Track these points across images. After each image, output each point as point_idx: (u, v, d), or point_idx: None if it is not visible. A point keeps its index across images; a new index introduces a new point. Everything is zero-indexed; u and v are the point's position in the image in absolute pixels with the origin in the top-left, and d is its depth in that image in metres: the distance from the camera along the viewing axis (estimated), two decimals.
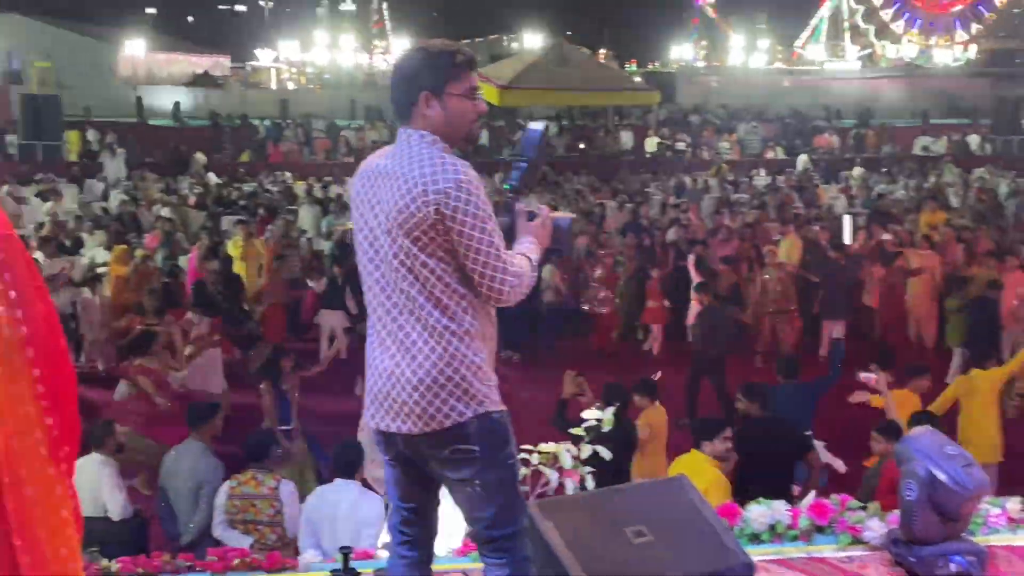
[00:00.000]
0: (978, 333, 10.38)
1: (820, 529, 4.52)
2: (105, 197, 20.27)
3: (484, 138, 28.83)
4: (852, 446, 7.72)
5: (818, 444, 7.60)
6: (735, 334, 12.64)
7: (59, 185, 21.04)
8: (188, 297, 12.32)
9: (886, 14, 56.85)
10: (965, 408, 7.89)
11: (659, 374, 8.39)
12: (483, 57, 43.11)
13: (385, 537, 4.27)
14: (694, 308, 11.73)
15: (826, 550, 4.38)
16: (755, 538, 4.40)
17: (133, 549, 5.16)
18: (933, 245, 14.00)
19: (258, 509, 6.28)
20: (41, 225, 15.90)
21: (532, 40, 53.31)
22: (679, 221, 16.83)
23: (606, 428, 4.99)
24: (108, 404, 9.02)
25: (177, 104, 36.71)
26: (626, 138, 29.74)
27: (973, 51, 54.29)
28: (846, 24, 58.76)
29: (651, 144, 30.14)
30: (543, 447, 4.39)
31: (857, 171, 24.11)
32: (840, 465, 7.75)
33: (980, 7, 54.97)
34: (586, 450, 4.83)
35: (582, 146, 30.17)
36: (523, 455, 3.92)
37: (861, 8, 57.21)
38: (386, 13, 66.88)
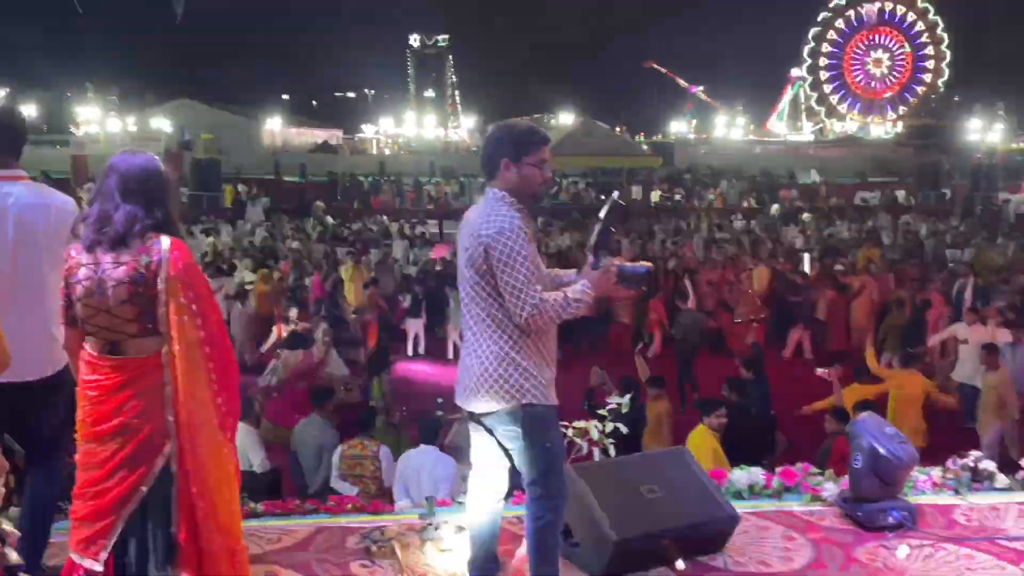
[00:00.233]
0: (909, 343, 10.27)
1: (788, 489, 4.52)
2: (251, 233, 20.61)
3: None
4: (809, 428, 7.66)
5: None
6: (710, 337, 12.54)
7: (218, 224, 21.51)
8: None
9: (834, 99, 56.97)
10: (897, 401, 7.82)
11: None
12: None
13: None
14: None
15: (793, 505, 4.37)
16: (738, 495, 4.37)
17: (271, 496, 5.23)
18: (870, 273, 13.96)
19: (363, 467, 6.37)
20: (205, 254, 16.20)
21: (566, 118, 53.38)
22: (676, 254, 16.86)
23: (624, 411, 4.98)
24: (252, 386, 9.12)
25: (303, 165, 37.23)
26: (636, 191, 29.72)
27: (900, 127, 54.17)
28: (803, 106, 58.89)
29: (655, 196, 30.16)
30: (576, 424, 4.39)
31: (808, 216, 24.17)
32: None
33: (905, 94, 54.92)
34: (608, 427, 4.81)
35: (603, 197, 30.13)
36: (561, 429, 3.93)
37: (815, 95, 57.29)
38: (457, 99, 67.48)
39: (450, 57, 69.07)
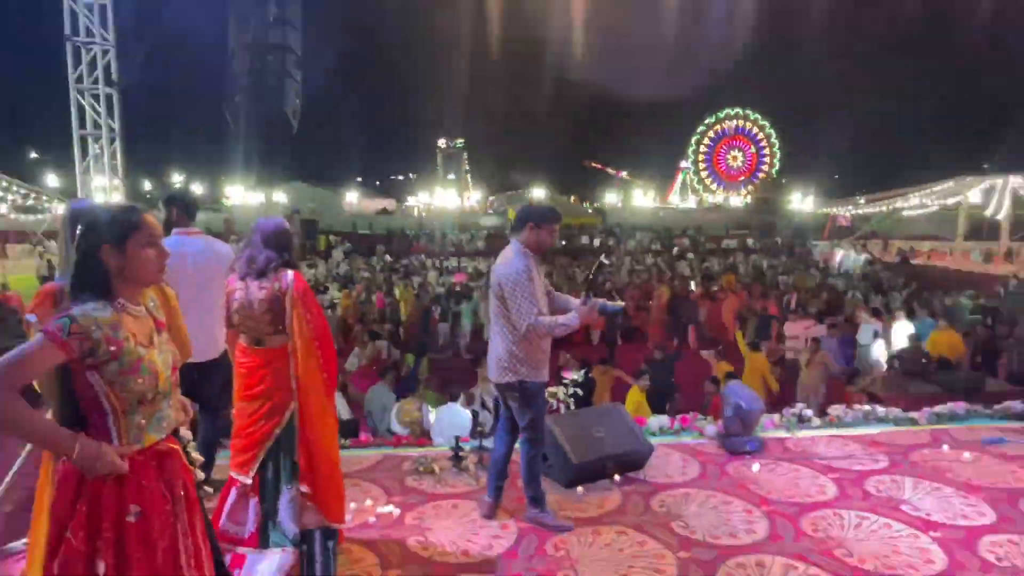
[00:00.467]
0: (757, 335, 10.20)
1: (684, 429, 4.48)
2: (337, 267, 20.50)
3: None
4: (695, 389, 7.62)
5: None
6: (630, 332, 12.48)
7: (316, 261, 21.39)
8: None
9: (708, 181, 57.20)
10: (749, 372, 7.79)
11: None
12: (513, 201, 43.46)
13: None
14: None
15: (687, 439, 4.32)
16: (653, 433, 4.34)
17: (353, 436, 5.18)
18: (732, 291, 13.92)
19: (412, 417, 6.30)
20: (308, 280, 16.14)
21: (540, 192, 53.47)
22: (609, 279, 16.85)
23: (580, 380, 4.99)
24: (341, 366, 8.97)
25: (370, 223, 37.15)
26: (584, 239, 29.64)
27: (749, 199, 54.29)
28: (689, 186, 59.02)
29: (596, 242, 30.07)
30: (550, 389, 4.38)
31: (692, 255, 24.24)
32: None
33: (753, 178, 55.06)
34: (570, 390, 4.82)
35: (563, 243, 30.14)
36: None
37: (696, 178, 57.55)
38: (469, 180, 67.71)
39: (464, 153, 69.38)
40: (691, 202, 57.72)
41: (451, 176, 69.09)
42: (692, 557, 2.80)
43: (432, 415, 6.05)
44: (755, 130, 55.82)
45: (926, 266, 20.27)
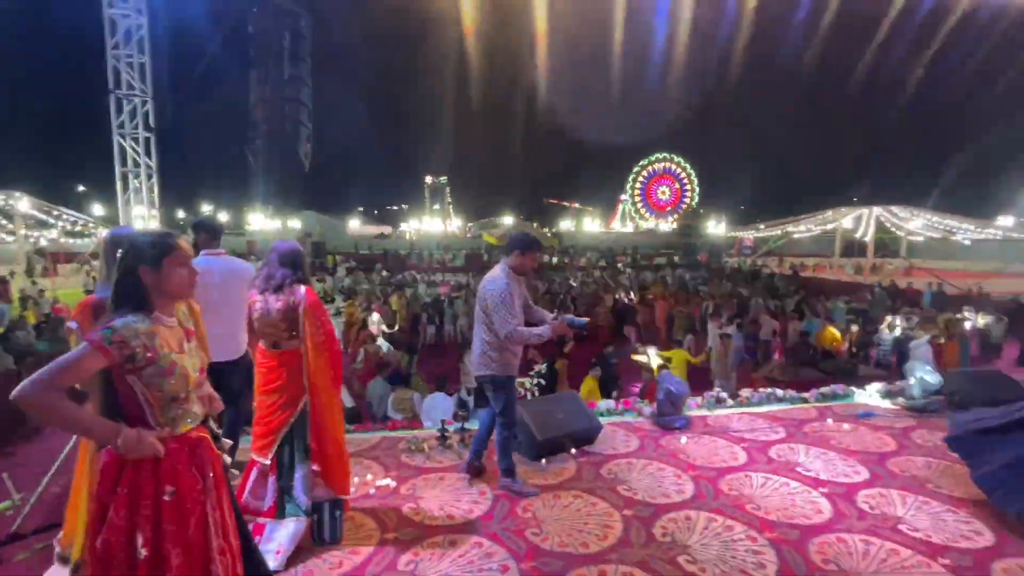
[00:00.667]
0: (682, 333, 10.30)
1: (626, 410, 4.43)
2: (342, 281, 20.08)
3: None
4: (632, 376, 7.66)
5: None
6: (582, 333, 12.31)
7: (325, 276, 20.93)
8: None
9: (642, 211, 57.81)
10: (675, 363, 7.83)
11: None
12: (486, 227, 43.39)
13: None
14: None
15: (629, 419, 4.30)
16: (602, 414, 4.31)
17: (357, 421, 5.06)
18: (662, 298, 14.03)
19: (406, 404, 6.16)
20: (318, 293, 15.78)
21: (508, 219, 53.47)
22: (565, 289, 16.89)
23: (544, 371, 4.98)
24: (347, 365, 8.75)
25: (370, 245, 36.63)
26: (546, 258, 29.72)
27: (675, 224, 54.98)
28: (628, 215, 59.58)
29: (555, 260, 30.16)
30: (519, 380, 4.36)
31: (631, 270, 24.44)
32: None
33: (678, 209, 55.90)
34: (535, 380, 4.81)
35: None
36: None
37: (633, 208, 58.16)
38: (451, 210, 67.32)
39: (447, 188, 69.07)
40: (629, 228, 58.35)
41: (436, 207, 68.57)
42: (634, 514, 2.81)
43: (422, 402, 5.96)
44: (679, 170, 56.86)
45: (812, 277, 20.90)
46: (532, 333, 2.85)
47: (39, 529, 2.70)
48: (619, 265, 27.00)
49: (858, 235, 25.22)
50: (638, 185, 58.13)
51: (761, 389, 4.92)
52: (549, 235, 38.93)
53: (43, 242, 24.14)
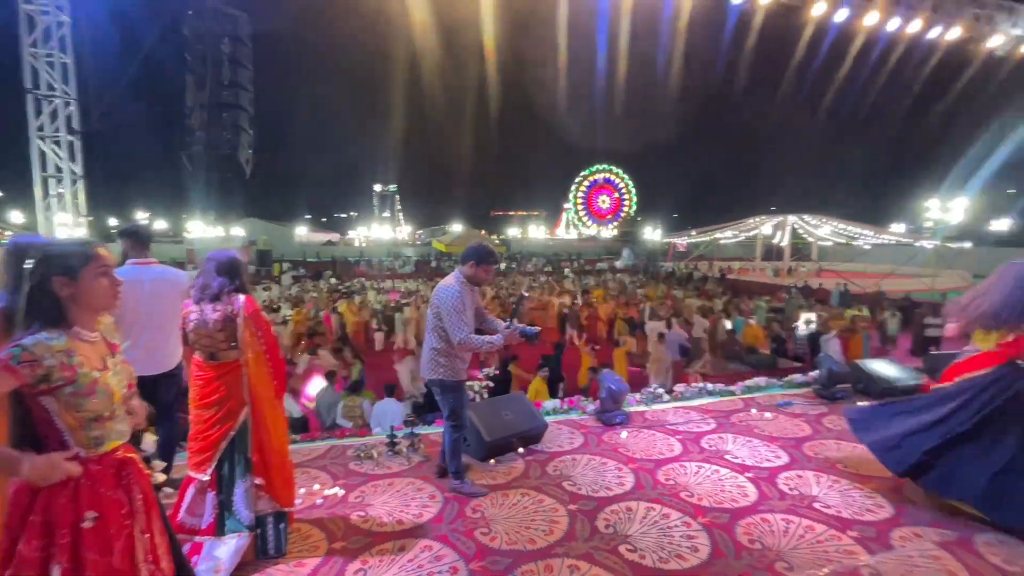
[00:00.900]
0: (624, 333, 10.55)
1: (571, 409, 4.47)
2: (289, 289, 19.20)
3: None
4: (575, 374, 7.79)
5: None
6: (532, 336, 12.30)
7: (271, 284, 19.95)
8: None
9: (585, 218, 58.92)
10: (615, 361, 8.04)
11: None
12: (436, 234, 43.00)
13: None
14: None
15: (573, 416, 4.31)
16: (547, 414, 4.33)
17: (304, 431, 4.86)
18: (604, 301, 14.34)
19: (355, 412, 5.97)
20: (264, 301, 14.98)
21: (456, 227, 53.17)
22: (513, 292, 16.92)
23: (493, 374, 4.97)
24: (292, 373, 8.39)
25: (317, 253, 35.37)
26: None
27: (615, 231, 56.46)
28: (571, 222, 60.52)
29: (501, 267, 30.20)
30: (468, 383, 4.32)
31: (571, 275, 24.92)
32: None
33: (617, 217, 57.45)
34: (484, 383, 4.78)
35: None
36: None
37: (576, 216, 59.18)
38: (400, 217, 66.21)
39: (396, 196, 67.84)
40: (573, 234, 59.44)
41: (386, 214, 67.20)
42: (579, 508, 2.84)
43: (371, 409, 5.79)
44: (618, 180, 58.53)
45: (737, 279, 22.08)
46: (485, 341, 2.84)
47: None
48: (565, 271, 27.44)
49: (776, 240, 26.95)
50: (580, 194, 59.26)
51: (694, 384, 5.08)
52: (497, 242, 39.03)
53: None
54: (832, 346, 8.09)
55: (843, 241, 26.06)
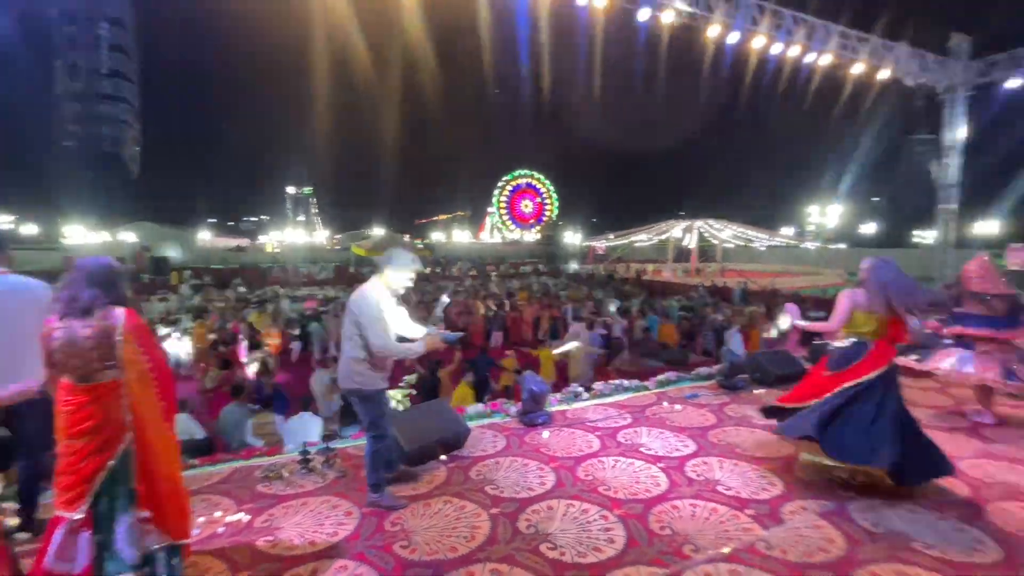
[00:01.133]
0: (553, 333, 10.72)
1: (494, 412, 4.45)
2: (191, 298, 17.56)
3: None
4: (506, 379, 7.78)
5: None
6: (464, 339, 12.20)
7: (168, 295, 18.15)
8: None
9: (508, 222, 59.54)
10: (544, 363, 8.18)
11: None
12: (355, 238, 41.45)
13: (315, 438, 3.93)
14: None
15: (497, 420, 4.34)
16: (471, 419, 4.28)
17: (207, 453, 4.44)
18: (527, 303, 14.51)
19: (267, 429, 5.57)
20: (161, 312, 13.62)
21: (378, 230, 51.57)
22: (437, 297, 16.67)
23: (413, 382, 4.87)
24: (196, 390, 7.66)
25: (225, 259, 32.76)
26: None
27: (538, 236, 57.47)
28: (495, 225, 60.85)
29: (428, 270, 29.71)
30: (389, 392, 4.19)
31: (498, 277, 25.11)
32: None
33: (539, 221, 58.62)
34: (406, 392, 4.67)
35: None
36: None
37: (500, 221, 59.59)
38: (316, 220, 63.08)
39: (312, 199, 64.61)
40: (497, 238, 59.88)
41: (301, 217, 63.80)
42: (501, 511, 2.85)
43: (286, 425, 5.43)
44: (539, 185, 59.93)
45: (652, 280, 23.41)
46: (406, 348, 2.79)
47: None
48: (492, 275, 27.57)
49: (685, 243, 28.93)
50: (503, 199, 59.89)
51: (612, 381, 5.28)
52: (421, 246, 38.41)
53: None
54: (735, 340, 8.81)
55: (743, 243, 28.55)
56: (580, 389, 4.99)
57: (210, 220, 54.44)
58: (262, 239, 54.61)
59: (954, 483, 3.07)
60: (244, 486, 3.22)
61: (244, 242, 46.90)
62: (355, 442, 3.92)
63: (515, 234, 58.86)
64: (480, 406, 4.60)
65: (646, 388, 5.23)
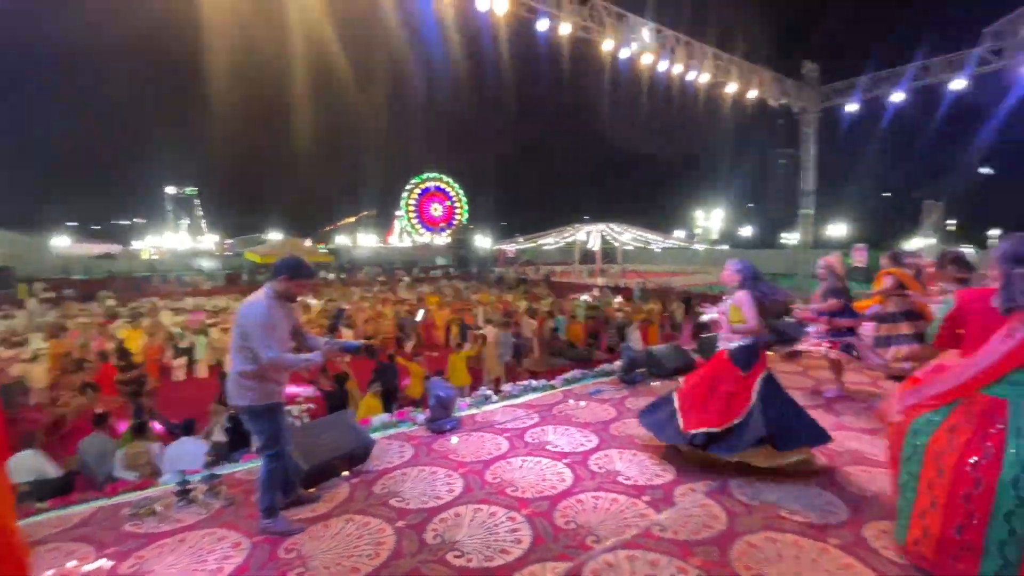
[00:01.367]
0: (461, 337, 10.63)
1: (401, 421, 4.31)
2: (42, 315, 15.06)
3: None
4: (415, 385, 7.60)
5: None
6: (370, 348, 11.74)
7: (13, 312, 15.44)
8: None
9: (418, 226, 58.35)
10: (456, 366, 8.09)
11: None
12: (249, 243, 38.32)
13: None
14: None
15: (404, 428, 4.21)
16: (376, 430, 4.14)
17: (64, 494, 3.81)
18: (440, 307, 14.28)
19: (141, 459, 4.90)
20: (5, 331, 11.55)
21: (275, 235, 48.10)
22: (337, 312, 15.92)
23: (312, 395, 4.58)
24: (42, 421, 6.57)
25: (88, 269, 28.60)
26: (323, 273, 27.58)
27: (448, 238, 56.97)
28: (404, 229, 59.37)
29: (331, 276, 28.16)
30: (287, 407, 3.90)
31: (409, 281, 24.55)
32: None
33: (450, 224, 58.22)
34: (303, 407, 4.39)
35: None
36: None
37: (410, 224, 58.15)
38: (202, 223, 57.31)
39: (197, 200, 58.57)
40: (407, 242, 58.58)
41: (183, 220, 57.58)
42: (407, 524, 2.77)
43: (163, 453, 4.84)
44: (448, 188, 59.58)
45: (560, 281, 24.25)
46: (300, 360, 2.64)
47: None
48: (404, 279, 26.88)
49: (589, 245, 30.38)
50: (412, 202, 58.78)
51: (521, 382, 5.37)
52: (324, 251, 36.40)
53: None
54: (634, 336, 9.38)
55: (641, 245, 30.62)
56: (489, 392, 5.01)
57: (68, 224, 47.42)
58: (136, 245, 48.61)
59: (816, 452, 3.50)
60: (108, 527, 2.82)
61: (114, 248, 41.31)
62: (245, 465, 3.60)
63: (425, 238, 57.96)
64: (386, 416, 4.46)
65: (552, 387, 5.37)
